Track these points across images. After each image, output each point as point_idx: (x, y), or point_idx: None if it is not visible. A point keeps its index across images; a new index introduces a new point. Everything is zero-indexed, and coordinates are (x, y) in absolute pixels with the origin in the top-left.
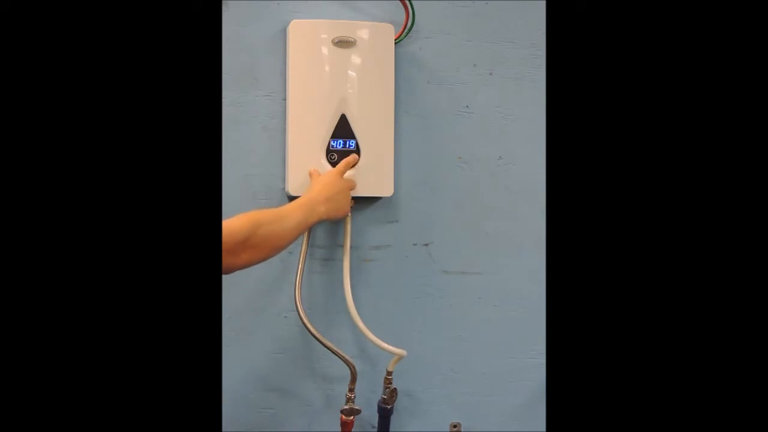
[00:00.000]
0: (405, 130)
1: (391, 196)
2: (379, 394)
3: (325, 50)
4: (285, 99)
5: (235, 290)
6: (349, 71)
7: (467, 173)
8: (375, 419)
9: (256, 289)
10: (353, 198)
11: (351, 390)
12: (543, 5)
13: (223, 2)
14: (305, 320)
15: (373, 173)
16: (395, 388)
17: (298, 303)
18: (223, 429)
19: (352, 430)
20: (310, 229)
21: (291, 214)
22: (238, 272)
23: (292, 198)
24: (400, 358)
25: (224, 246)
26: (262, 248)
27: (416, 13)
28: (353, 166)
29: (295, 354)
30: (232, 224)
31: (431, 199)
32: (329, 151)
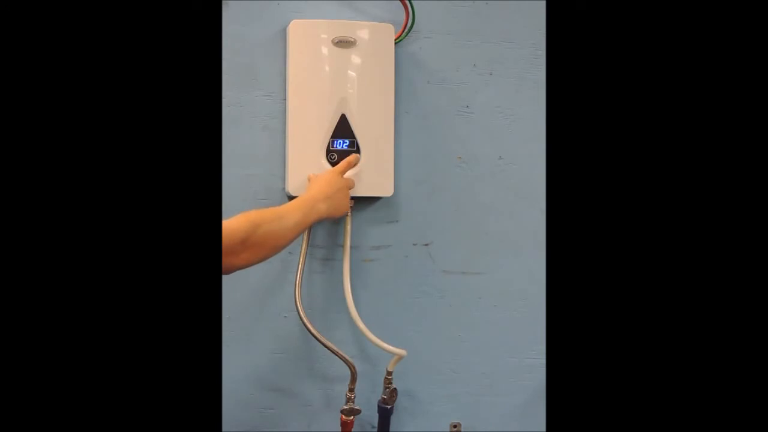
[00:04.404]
0: (405, 130)
1: (391, 196)
2: (379, 394)
3: (325, 50)
4: (285, 99)
5: (235, 290)
6: (349, 71)
7: (467, 173)
8: (375, 419)
9: (256, 289)
10: (353, 198)
11: (351, 390)
12: (543, 5)
13: (223, 2)
14: (305, 320)
15: (373, 173)
16: (395, 388)
17: (298, 303)
18: (223, 429)
19: (352, 430)
20: (310, 229)
21: (290, 213)
22: (238, 272)
23: (291, 198)
24: (400, 358)
25: (224, 246)
26: (262, 248)
27: (416, 13)
28: (354, 165)
29: (295, 354)
30: (231, 224)
31: (431, 199)
32: (329, 151)
